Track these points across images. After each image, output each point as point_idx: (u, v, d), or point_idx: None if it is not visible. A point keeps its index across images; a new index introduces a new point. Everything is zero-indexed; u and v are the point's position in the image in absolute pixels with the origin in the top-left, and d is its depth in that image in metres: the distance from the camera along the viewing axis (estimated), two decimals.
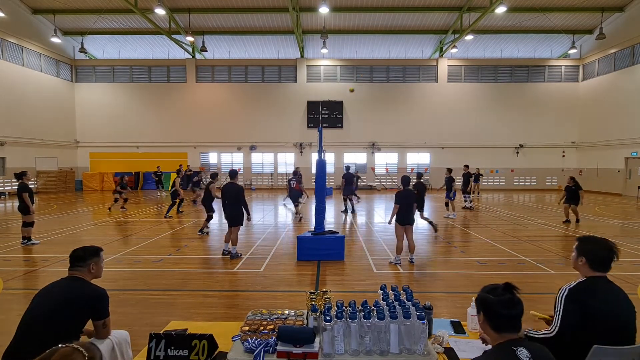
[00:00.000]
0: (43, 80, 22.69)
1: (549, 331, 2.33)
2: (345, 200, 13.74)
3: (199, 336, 2.54)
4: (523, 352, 1.69)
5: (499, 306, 1.81)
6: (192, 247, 8.19)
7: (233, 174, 7.47)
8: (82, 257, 2.71)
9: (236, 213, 7.26)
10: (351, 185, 13.69)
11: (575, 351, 2.16)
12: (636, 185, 20.25)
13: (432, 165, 25.71)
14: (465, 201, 14.93)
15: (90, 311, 2.54)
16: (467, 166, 15.06)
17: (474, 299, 3.04)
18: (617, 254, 2.35)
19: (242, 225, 7.39)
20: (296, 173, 13.13)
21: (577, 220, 11.26)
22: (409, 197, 6.72)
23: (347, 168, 14.10)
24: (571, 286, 2.36)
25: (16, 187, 8.41)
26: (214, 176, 9.90)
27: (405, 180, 6.91)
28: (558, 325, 2.30)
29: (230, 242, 7.27)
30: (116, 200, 14.08)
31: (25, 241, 8.12)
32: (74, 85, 25.46)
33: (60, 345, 1.38)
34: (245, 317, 2.89)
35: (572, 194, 11.20)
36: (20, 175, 8.18)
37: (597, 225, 11.06)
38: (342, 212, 13.79)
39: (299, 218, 12.10)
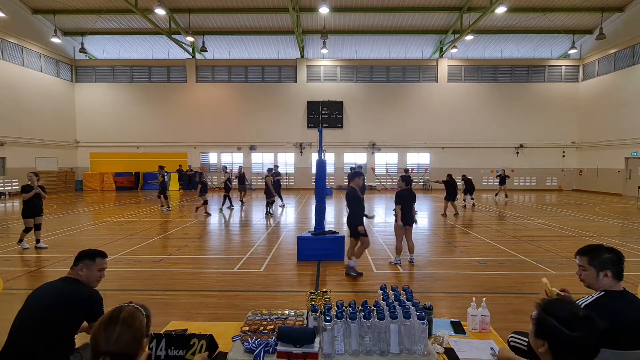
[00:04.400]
0: (43, 80, 22.68)
1: None
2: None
3: (198, 336, 2.54)
4: None
5: (579, 344, 1.52)
6: (193, 247, 8.18)
7: (353, 175, 6.31)
8: (79, 257, 2.68)
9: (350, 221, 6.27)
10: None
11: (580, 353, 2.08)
12: (636, 185, 20.25)
13: (432, 166, 25.71)
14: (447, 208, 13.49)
15: (84, 313, 2.51)
16: (449, 175, 13.80)
17: (474, 299, 3.04)
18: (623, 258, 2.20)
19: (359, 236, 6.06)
20: (225, 169, 15.43)
21: (455, 214, 12.88)
22: (408, 197, 6.71)
23: (353, 169, 14.11)
24: (587, 302, 2.13)
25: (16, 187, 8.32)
26: (270, 170, 13.86)
27: (406, 180, 6.88)
28: None
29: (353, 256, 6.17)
30: (205, 202, 12.88)
31: (19, 243, 7.89)
32: (74, 85, 25.47)
33: (123, 304, 1.60)
34: (245, 317, 2.89)
35: (452, 189, 12.80)
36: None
37: (597, 225, 11.06)
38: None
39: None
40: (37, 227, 7.93)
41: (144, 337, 1.56)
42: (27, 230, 7.78)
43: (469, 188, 15.20)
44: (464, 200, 15.77)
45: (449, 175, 13.49)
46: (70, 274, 2.66)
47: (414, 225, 6.85)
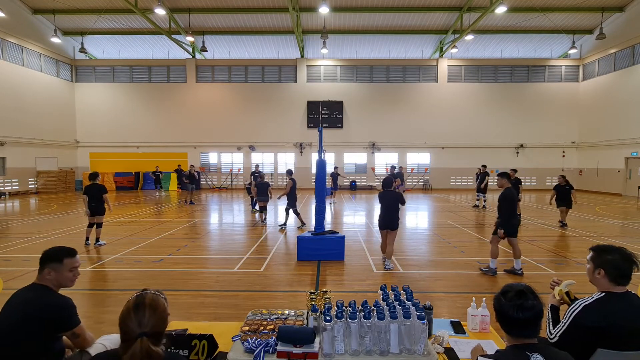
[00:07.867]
0: (43, 80, 22.68)
1: (551, 336, 2.26)
2: None
3: (199, 336, 2.53)
4: (538, 358, 1.62)
5: (508, 310, 1.74)
6: (192, 247, 8.19)
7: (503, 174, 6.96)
8: (43, 260, 2.37)
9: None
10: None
11: (581, 353, 2.09)
12: (636, 185, 20.25)
13: (432, 166, 25.71)
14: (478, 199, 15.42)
15: (53, 324, 2.23)
16: (484, 166, 15.51)
17: (474, 299, 3.04)
18: (638, 264, 2.16)
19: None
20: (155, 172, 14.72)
21: (564, 224, 10.55)
22: (389, 199, 6.54)
23: (394, 168, 13.38)
24: (587, 302, 2.15)
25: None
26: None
27: (387, 182, 6.74)
28: (558, 336, 2.20)
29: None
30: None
31: (98, 242, 8.19)
32: (74, 85, 25.46)
33: (142, 291, 1.76)
34: (245, 317, 2.89)
35: (565, 194, 10.34)
36: (94, 177, 8.27)
37: (597, 225, 11.06)
38: None
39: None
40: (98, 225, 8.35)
41: (167, 317, 1.79)
42: (92, 226, 8.27)
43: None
44: (483, 199, 15.31)
45: (564, 177, 10.67)
46: (38, 280, 2.37)
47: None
